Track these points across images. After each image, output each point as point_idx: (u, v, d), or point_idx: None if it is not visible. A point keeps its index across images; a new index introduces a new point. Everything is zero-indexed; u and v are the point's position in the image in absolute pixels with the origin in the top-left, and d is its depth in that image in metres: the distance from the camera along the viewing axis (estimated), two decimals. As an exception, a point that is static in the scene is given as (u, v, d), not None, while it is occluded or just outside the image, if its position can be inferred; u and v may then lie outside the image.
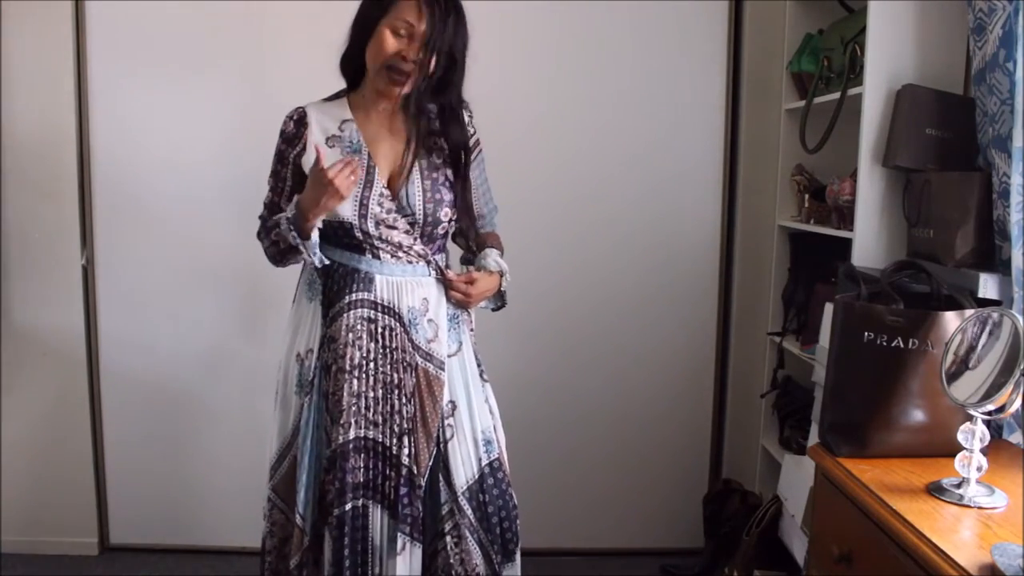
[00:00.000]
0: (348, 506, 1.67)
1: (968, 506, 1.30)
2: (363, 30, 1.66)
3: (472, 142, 1.78)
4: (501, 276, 1.81)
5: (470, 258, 1.86)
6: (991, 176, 1.69)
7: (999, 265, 1.70)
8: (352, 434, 1.67)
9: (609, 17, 2.58)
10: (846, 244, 2.03)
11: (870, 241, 1.98)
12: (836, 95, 2.10)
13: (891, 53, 1.93)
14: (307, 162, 1.70)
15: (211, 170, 2.59)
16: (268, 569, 1.80)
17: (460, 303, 1.77)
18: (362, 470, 1.68)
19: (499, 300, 1.85)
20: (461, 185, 1.75)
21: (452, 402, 1.75)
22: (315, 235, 1.65)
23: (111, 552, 2.73)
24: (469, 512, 1.73)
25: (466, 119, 1.77)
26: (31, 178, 2.57)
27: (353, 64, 1.73)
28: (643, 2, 2.58)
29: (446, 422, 1.73)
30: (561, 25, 2.59)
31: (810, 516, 1.85)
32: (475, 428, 1.76)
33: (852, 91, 2.05)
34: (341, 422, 1.67)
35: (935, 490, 1.34)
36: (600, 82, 2.61)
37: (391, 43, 1.61)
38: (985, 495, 1.31)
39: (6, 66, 2.51)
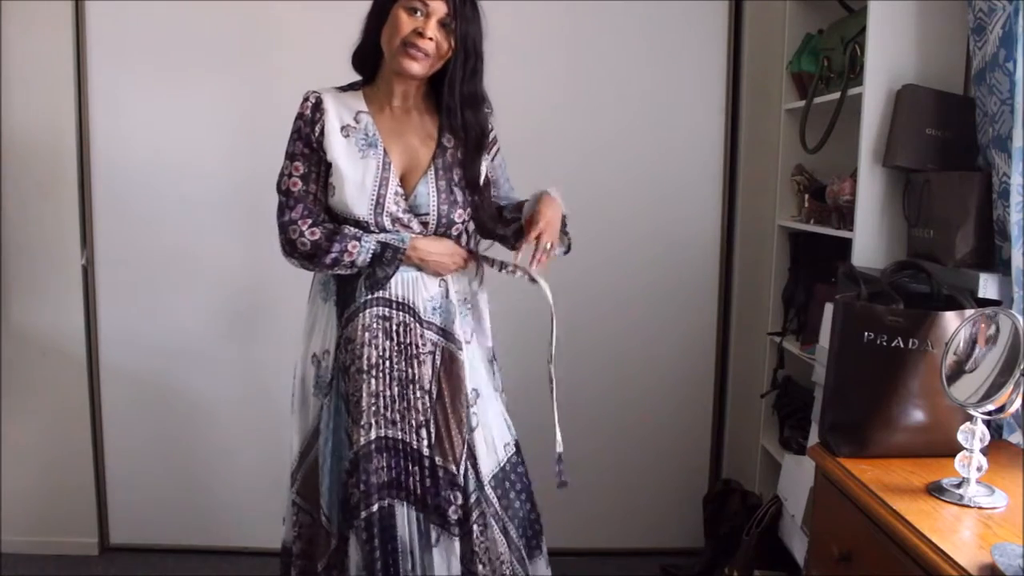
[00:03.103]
0: (375, 507, 1.66)
1: (968, 506, 1.30)
2: (378, 17, 1.65)
3: (491, 137, 1.78)
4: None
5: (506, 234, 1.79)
6: (991, 176, 1.69)
7: (999, 265, 1.70)
8: (374, 434, 1.67)
9: (608, 17, 2.58)
10: (846, 244, 2.03)
11: (870, 241, 1.98)
12: (836, 95, 2.10)
13: (891, 53, 1.93)
14: (328, 147, 1.66)
15: (211, 170, 2.59)
16: (297, 573, 1.79)
17: (545, 243, 1.67)
18: (385, 469, 1.67)
19: (566, 238, 1.80)
20: (475, 169, 1.73)
21: (475, 390, 1.75)
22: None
23: (111, 552, 2.73)
24: (494, 500, 1.74)
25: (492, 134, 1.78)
26: (31, 178, 2.56)
27: (366, 59, 1.71)
28: (643, 2, 2.58)
29: (472, 411, 1.73)
30: (560, 25, 2.59)
31: (810, 516, 1.85)
32: (496, 413, 1.78)
33: (852, 91, 2.04)
34: (362, 423, 1.66)
35: (935, 490, 1.34)
36: (599, 82, 2.61)
37: (406, 22, 1.60)
38: (985, 495, 1.31)
39: (6, 66, 2.51)
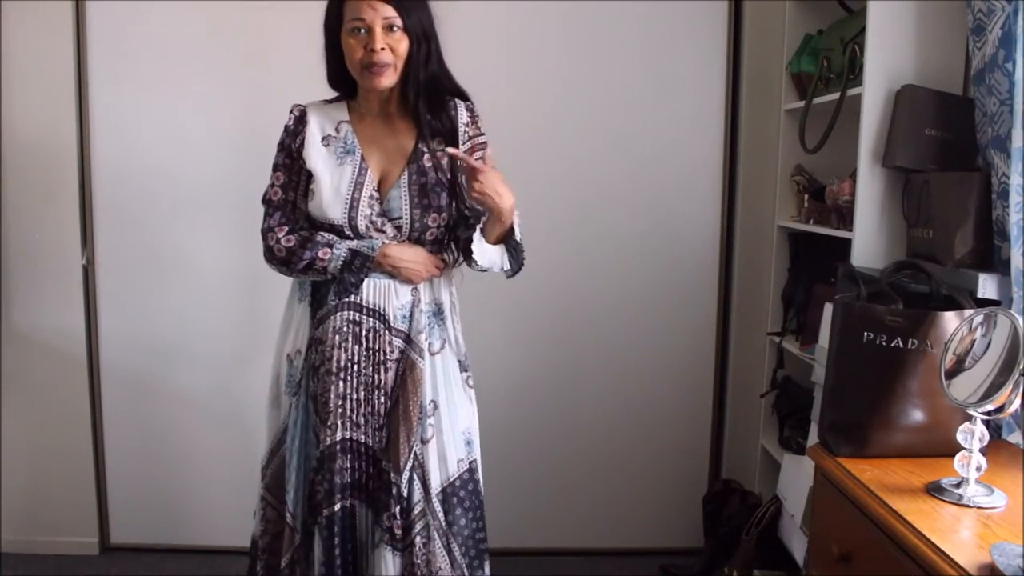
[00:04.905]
0: (337, 506, 1.69)
1: (967, 506, 1.30)
2: (334, 48, 1.69)
3: (481, 140, 1.75)
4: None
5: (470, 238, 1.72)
6: (990, 176, 1.69)
7: (998, 265, 1.70)
8: (339, 435, 1.69)
9: (609, 17, 2.58)
10: (846, 244, 2.03)
11: (870, 241, 1.98)
12: (836, 95, 2.10)
13: (891, 53, 1.93)
14: (307, 157, 1.71)
15: (211, 170, 2.59)
16: (262, 567, 1.81)
17: (481, 198, 1.61)
18: (349, 471, 1.70)
19: (514, 255, 1.73)
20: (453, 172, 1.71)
21: (433, 402, 1.74)
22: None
23: (111, 552, 2.73)
24: (440, 515, 1.73)
25: (466, 119, 1.74)
26: (31, 179, 2.57)
27: (340, 81, 1.75)
28: (643, 2, 2.58)
29: (427, 422, 1.73)
30: (560, 26, 2.59)
31: (810, 516, 1.85)
32: (455, 429, 1.76)
33: (851, 91, 2.05)
34: (328, 424, 1.70)
35: (934, 490, 1.35)
36: (599, 83, 2.62)
37: (354, 46, 1.64)
38: (984, 495, 1.31)
39: (6, 67, 2.51)
